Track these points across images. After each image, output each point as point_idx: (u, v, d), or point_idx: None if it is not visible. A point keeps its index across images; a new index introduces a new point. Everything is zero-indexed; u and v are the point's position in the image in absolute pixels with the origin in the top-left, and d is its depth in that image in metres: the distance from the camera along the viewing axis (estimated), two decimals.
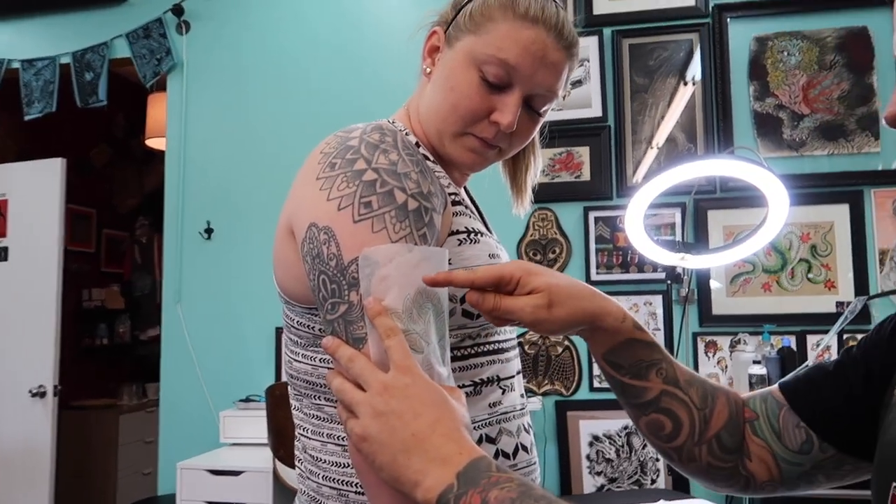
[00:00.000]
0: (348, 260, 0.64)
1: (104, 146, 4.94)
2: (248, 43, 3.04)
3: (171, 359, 2.97)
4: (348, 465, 0.75)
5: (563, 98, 2.70)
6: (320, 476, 0.77)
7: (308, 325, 0.77)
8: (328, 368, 0.75)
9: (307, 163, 0.73)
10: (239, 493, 2.36)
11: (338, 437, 0.76)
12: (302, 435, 0.81)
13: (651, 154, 2.68)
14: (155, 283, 4.94)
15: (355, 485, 0.74)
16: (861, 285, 2.48)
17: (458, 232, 0.77)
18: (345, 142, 0.71)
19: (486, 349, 0.79)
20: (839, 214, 2.54)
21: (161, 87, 3.21)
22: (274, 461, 2.26)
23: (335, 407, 0.76)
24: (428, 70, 0.83)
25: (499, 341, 0.81)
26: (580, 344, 2.64)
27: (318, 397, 0.78)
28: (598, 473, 2.58)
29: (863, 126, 2.56)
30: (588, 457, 2.60)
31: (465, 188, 0.92)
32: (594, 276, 2.65)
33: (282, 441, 2.10)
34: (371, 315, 0.61)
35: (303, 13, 3.01)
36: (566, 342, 2.65)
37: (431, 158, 0.81)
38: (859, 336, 2.42)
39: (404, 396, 0.58)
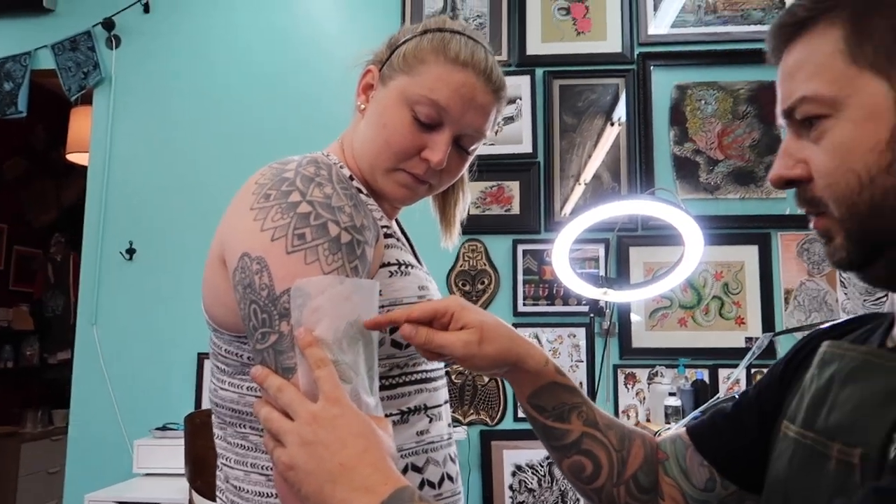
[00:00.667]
0: (280, 290, 0.65)
1: (18, 158, 4.71)
2: (180, 62, 2.99)
3: (83, 383, 2.83)
4: (272, 496, 0.75)
5: (496, 134, 2.78)
6: None
7: (236, 353, 0.77)
8: (255, 397, 0.75)
9: (241, 193, 0.74)
10: None
11: (262, 467, 0.76)
12: (225, 465, 0.80)
13: (578, 190, 2.78)
14: (69, 304, 4.71)
15: None
16: (768, 322, 2.64)
17: (389, 264, 0.79)
18: (280, 173, 0.72)
19: (413, 378, 0.81)
20: (749, 255, 2.69)
21: (86, 100, 3.11)
22: (190, 492, 2.18)
23: (261, 436, 0.76)
24: (362, 107, 0.86)
25: (426, 371, 0.83)
26: None
27: (244, 426, 0.77)
28: (521, 503, 2.61)
29: None
30: (511, 486, 2.63)
31: (396, 220, 0.94)
32: (521, 308, 2.71)
33: (199, 471, 2.03)
34: (302, 345, 0.62)
35: (238, 35, 2.99)
36: None
37: (364, 192, 0.83)
38: (766, 371, 2.56)
39: (333, 427, 0.59)
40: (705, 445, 0.77)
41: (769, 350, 2.41)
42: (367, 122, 0.83)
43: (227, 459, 0.79)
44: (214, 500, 2.10)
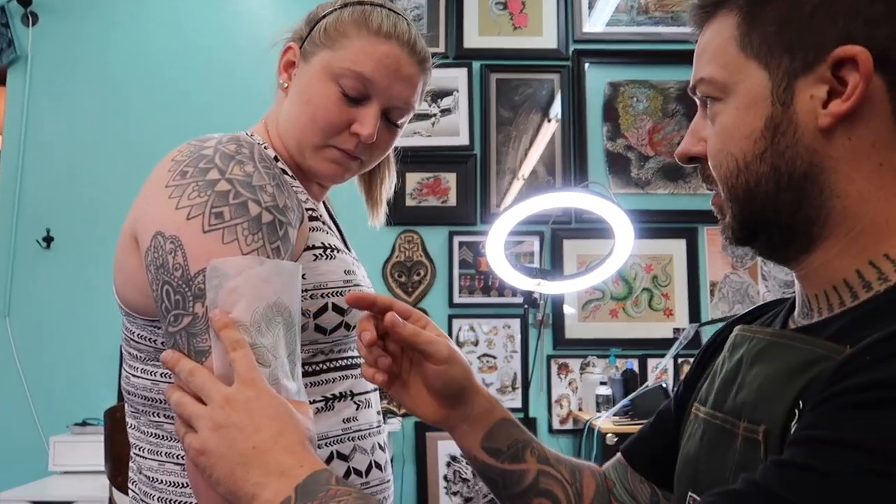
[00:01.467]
0: (195, 271, 0.62)
1: None
2: (103, 41, 2.86)
3: None
4: (187, 486, 0.72)
5: (433, 125, 2.77)
6: (156, 498, 0.73)
7: (149, 339, 0.74)
8: (169, 383, 0.72)
9: (157, 170, 0.70)
10: None
11: (177, 456, 0.73)
12: (137, 455, 0.76)
13: (517, 184, 2.80)
14: None
15: None
16: (694, 313, 2.73)
17: (313, 247, 0.77)
18: (198, 150, 0.69)
19: (338, 364, 0.79)
20: (678, 248, 2.78)
21: None
22: (111, 490, 2.09)
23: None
24: (285, 85, 0.83)
25: (352, 357, 0.81)
26: None
27: (158, 414, 0.74)
28: (455, 493, 2.62)
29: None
30: (445, 477, 2.63)
31: (324, 204, 0.92)
32: (457, 299, 2.71)
33: (119, 467, 1.94)
34: (217, 327, 0.60)
35: (167, 16, 2.88)
36: None
37: (290, 173, 0.81)
38: (692, 360, 2.65)
39: (247, 409, 0.56)
40: (638, 462, 0.78)
41: (695, 340, 2.49)
42: (290, 100, 0.81)
43: (140, 449, 0.76)
44: None
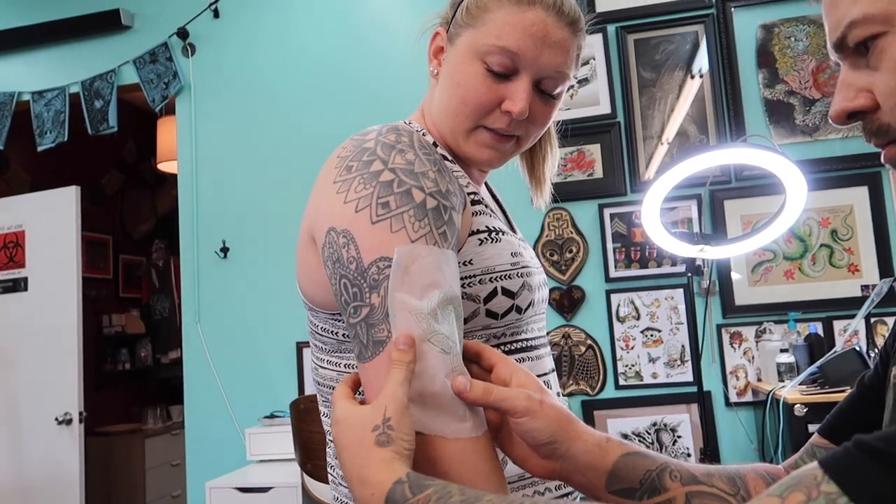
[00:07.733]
0: (368, 262, 0.63)
1: (115, 173, 4.98)
2: (251, 62, 3.06)
3: (194, 379, 2.98)
4: None
5: (571, 97, 2.69)
6: None
7: (332, 331, 0.77)
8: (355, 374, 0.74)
9: (324, 168, 0.73)
10: None
11: None
12: (332, 441, 0.80)
13: (662, 149, 2.65)
14: (174, 306, 4.97)
15: None
16: (885, 267, 2.45)
17: (478, 231, 0.76)
18: (360, 144, 0.70)
19: (513, 347, 0.78)
20: (858, 197, 2.50)
21: (170, 110, 3.24)
22: (302, 475, 2.25)
23: None
24: (435, 71, 0.83)
25: (526, 339, 0.80)
26: (603, 342, 2.61)
27: None
28: None
29: None
30: None
31: (488, 187, 0.91)
32: (613, 274, 2.62)
33: (308, 454, 2.08)
34: (396, 344, 0.60)
35: (302, 30, 3.02)
36: (588, 341, 2.62)
37: (449, 158, 0.80)
38: (887, 319, 2.38)
39: (336, 434, 0.62)
40: (844, 435, 0.68)
41: (889, 296, 2.23)
42: (441, 86, 0.80)
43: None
44: (325, 482, 2.14)
